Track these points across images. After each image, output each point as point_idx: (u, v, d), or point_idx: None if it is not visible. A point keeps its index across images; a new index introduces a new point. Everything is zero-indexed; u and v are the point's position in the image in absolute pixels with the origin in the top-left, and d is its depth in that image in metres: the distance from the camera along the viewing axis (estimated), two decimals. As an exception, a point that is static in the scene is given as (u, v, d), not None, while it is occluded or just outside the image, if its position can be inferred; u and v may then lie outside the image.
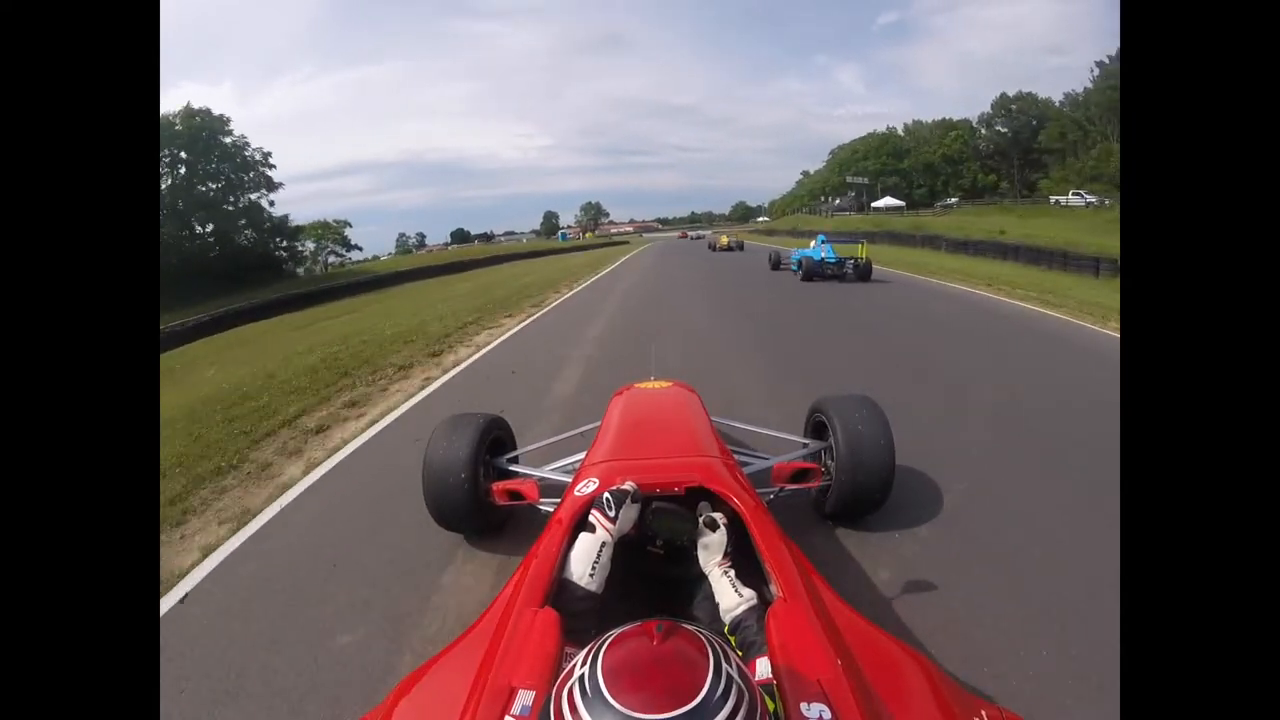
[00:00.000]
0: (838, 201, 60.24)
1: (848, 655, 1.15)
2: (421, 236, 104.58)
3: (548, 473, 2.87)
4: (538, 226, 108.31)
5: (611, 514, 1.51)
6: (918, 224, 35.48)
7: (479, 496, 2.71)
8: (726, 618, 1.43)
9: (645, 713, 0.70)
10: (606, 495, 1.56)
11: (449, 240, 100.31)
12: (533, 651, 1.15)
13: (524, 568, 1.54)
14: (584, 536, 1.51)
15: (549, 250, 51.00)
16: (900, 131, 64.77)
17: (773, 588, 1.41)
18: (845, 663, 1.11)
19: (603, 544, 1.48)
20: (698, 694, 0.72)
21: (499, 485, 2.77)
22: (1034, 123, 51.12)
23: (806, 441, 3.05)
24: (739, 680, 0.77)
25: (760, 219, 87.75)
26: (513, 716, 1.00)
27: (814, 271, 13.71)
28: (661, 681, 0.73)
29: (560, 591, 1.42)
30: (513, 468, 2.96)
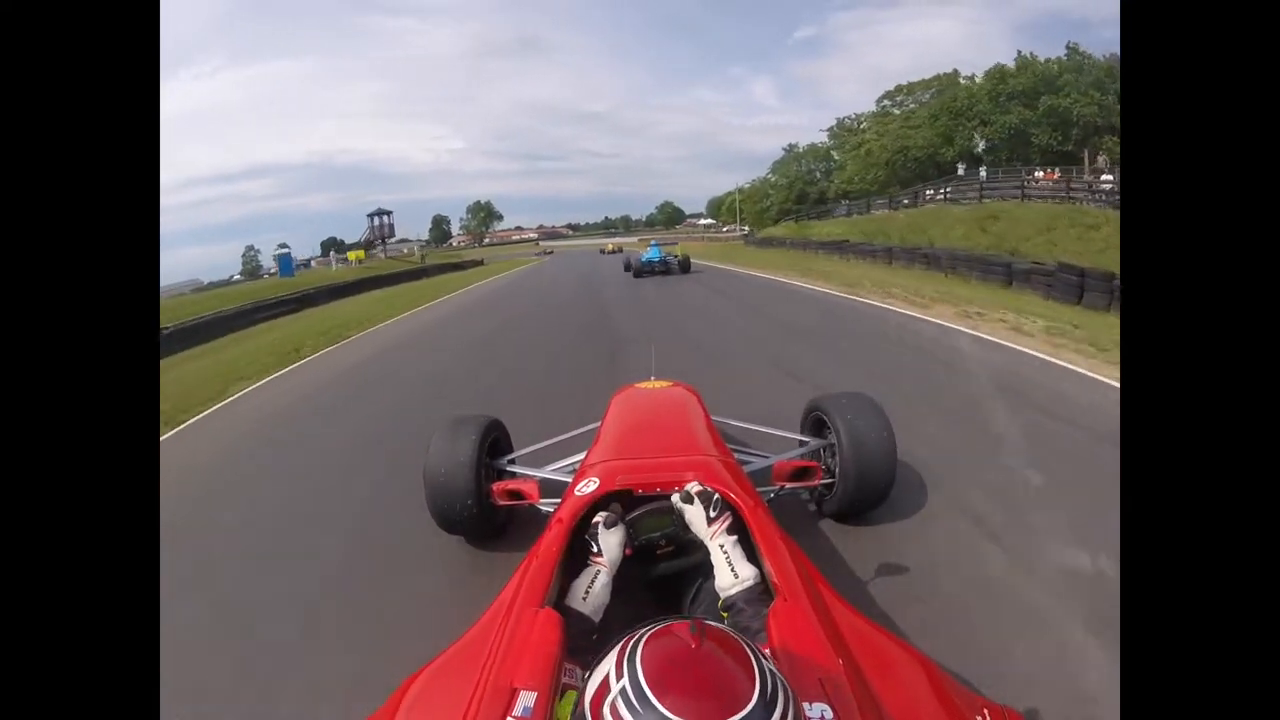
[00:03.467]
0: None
1: (849, 655, 1.15)
2: (284, 247, 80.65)
3: (548, 473, 2.87)
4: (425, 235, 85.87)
5: (595, 550, 1.48)
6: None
7: (481, 498, 2.72)
8: (721, 595, 1.41)
9: None
10: (586, 536, 1.53)
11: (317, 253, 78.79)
12: (534, 652, 1.15)
13: (525, 568, 1.54)
14: (587, 569, 1.48)
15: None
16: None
17: (773, 587, 1.41)
18: (846, 662, 1.11)
19: (597, 573, 1.45)
20: (751, 697, 0.70)
21: (499, 486, 2.77)
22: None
23: (806, 440, 3.05)
24: (779, 680, 0.75)
25: (703, 222, 76.01)
26: (514, 717, 1.00)
27: (641, 270, 17.92)
28: (712, 687, 0.71)
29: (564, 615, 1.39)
30: (512, 468, 2.96)
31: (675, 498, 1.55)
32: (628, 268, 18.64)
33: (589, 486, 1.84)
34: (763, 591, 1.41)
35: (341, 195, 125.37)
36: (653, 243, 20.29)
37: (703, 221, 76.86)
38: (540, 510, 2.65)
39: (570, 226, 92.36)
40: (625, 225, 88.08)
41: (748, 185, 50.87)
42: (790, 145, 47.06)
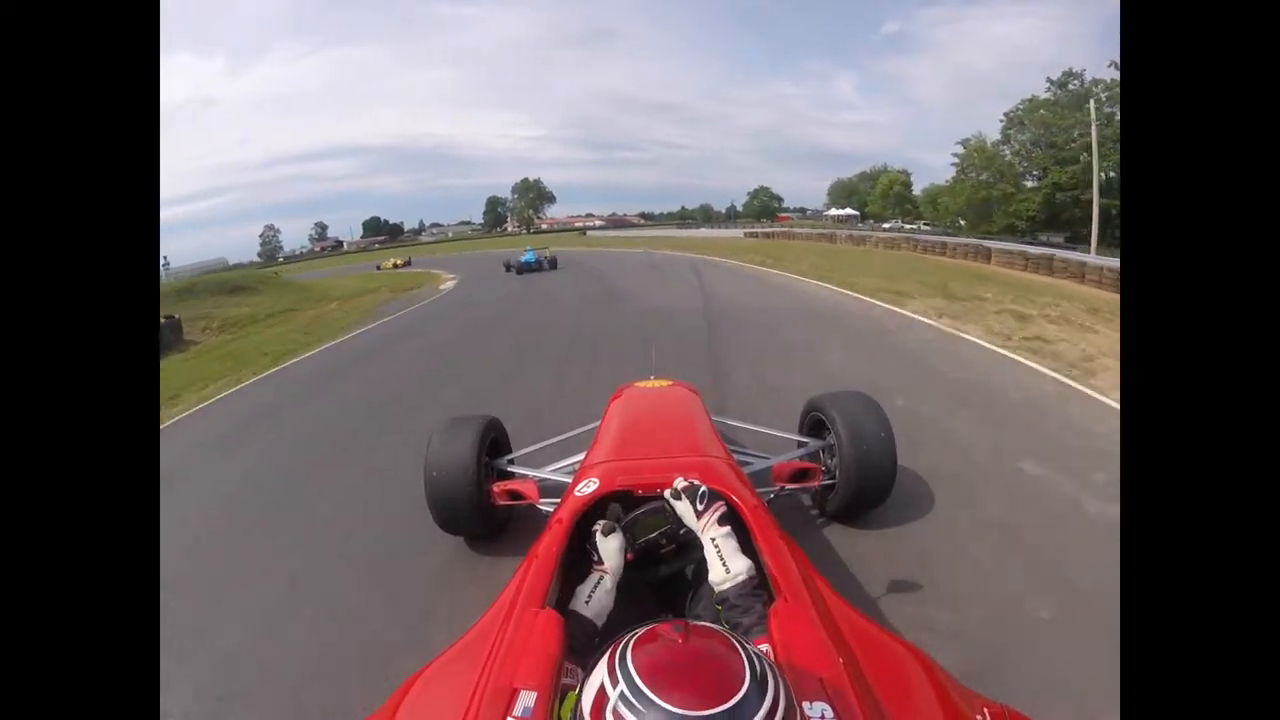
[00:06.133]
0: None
1: (849, 654, 1.15)
2: (322, 228, 78.74)
3: (548, 473, 2.87)
4: (479, 218, 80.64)
5: (597, 559, 1.48)
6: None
7: (481, 499, 2.71)
8: (715, 591, 1.41)
9: (703, 709, 0.70)
10: (587, 545, 1.53)
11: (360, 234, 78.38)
12: (534, 652, 1.15)
13: (525, 568, 1.54)
14: (591, 575, 1.48)
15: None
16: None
17: (774, 587, 1.41)
18: (847, 662, 1.11)
19: (600, 579, 1.45)
20: (743, 683, 0.73)
21: (499, 486, 2.77)
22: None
23: (805, 440, 3.05)
24: (767, 665, 0.78)
25: (831, 212, 58.70)
26: (515, 717, 1.00)
27: (520, 268, 20.89)
28: (706, 677, 0.74)
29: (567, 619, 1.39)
30: (512, 469, 2.96)
31: (666, 494, 1.55)
32: (509, 267, 21.30)
33: (589, 487, 1.84)
34: (757, 585, 1.41)
35: (420, 178, 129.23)
36: (528, 248, 23.51)
37: (831, 212, 59.68)
38: (540, 510, 2.65)
39: (643, 215, 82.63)
40: (705, 216, 76.64)
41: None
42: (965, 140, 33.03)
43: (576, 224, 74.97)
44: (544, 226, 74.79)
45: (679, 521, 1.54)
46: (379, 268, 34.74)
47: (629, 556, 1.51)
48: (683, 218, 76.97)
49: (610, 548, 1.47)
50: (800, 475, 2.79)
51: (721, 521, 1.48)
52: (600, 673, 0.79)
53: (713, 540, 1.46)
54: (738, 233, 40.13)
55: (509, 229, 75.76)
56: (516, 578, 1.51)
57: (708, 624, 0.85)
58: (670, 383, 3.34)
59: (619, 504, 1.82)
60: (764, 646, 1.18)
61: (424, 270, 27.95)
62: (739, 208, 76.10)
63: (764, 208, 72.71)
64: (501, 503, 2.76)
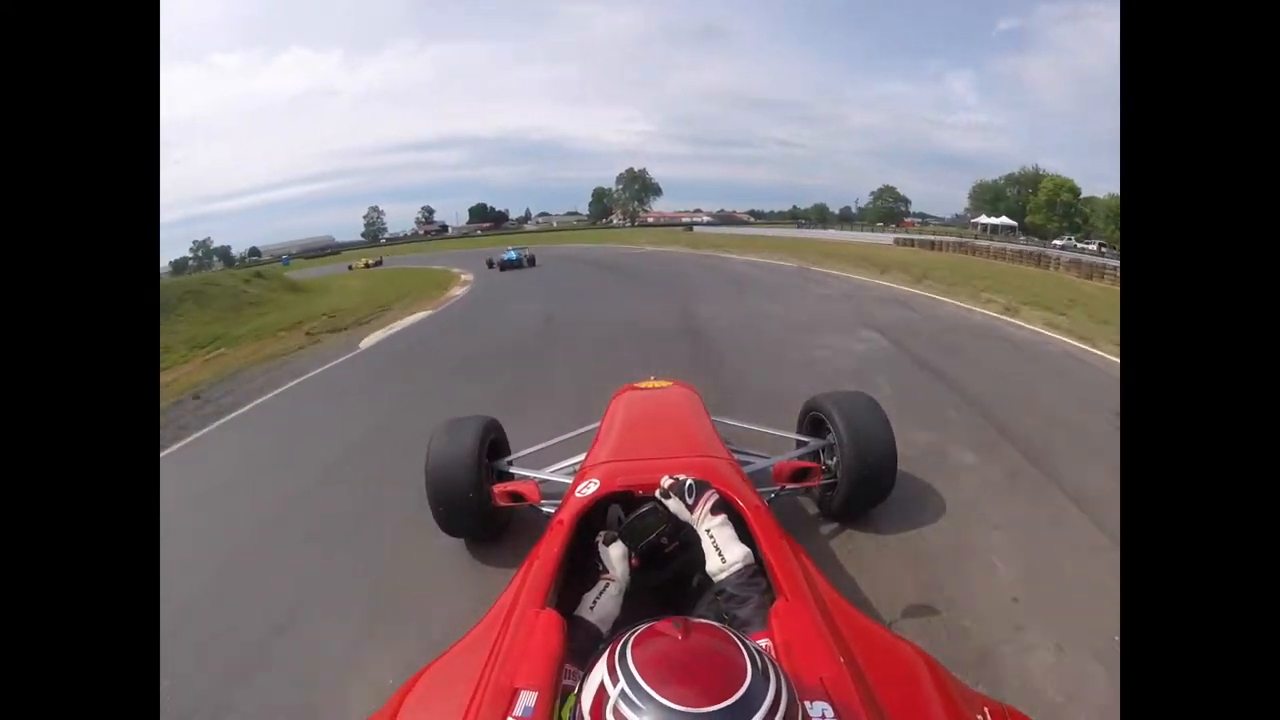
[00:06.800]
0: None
1: (850, 654, 1.15)
2: (429, 211, 79.19)
3: (548, 474, 2.87)
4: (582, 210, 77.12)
5: (602, 569, 1.48)
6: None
7: (482, 500, 2.71)
8: (714, 582, 1.41)
9: (705, 706, 0.69)
10: (592, 556, 1.53)
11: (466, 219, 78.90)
12: (535, 653, 1.15)
13: (525, 569, 1.54)
14: (598, 583, 1.48)
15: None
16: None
17: (775, 586, 1.41)
18: (847, 661, 1.11)
19: (605, 586, 1.45)
20: (745, 679, 0.72)
21: (500, 487, 2.77)
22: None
23: (806, 440, 3.05)
24: (769, 660, 0.78)
25: (988, 220, 46.62)
26: (515, 718, 1.00)
27: (503, 265, 21.50)
28: (708, 673, 0.74)
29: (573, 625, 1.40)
30: (512, 470, 2.96)
31: (656, 495, 1.55)
32: (491, 264, 21.99)
33: (589, 488, 1.84)
34: (755, 574, 1.41)
35: (530, 169, 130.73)
36: (509, 247, 24.43)
37: (981, 220, 48.38)
38: (541, 511, 2.65)
39: (753, 213, 76.65)
40: (820, 215, 68.02)
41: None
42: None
43: (683, 219, 69.62)
44: (649, 220, 70.28)
45: (676, 519, 1.54)
46: (350, 268, 33.26)
47: (634, 562, 1.51)
48: (795, 217, 69.42)
49: (614, 556, 1.47)
50: (801, 474, 2.80)
51: (715, 511, 1.48)
52: (600, 671, 0.78)
53: (708, 531, 1.45)
54: (875, 237, 31.68)
55: (613, 221, 72.41)
56: (517, 578, 1.51)
57: (708, 620, 0.85)
58: (670, 383, 3.34)
59: (619, 505, 1.82)
60: (764, 642, 1.18)
61: (442, 269, 24.04)
62: (855, 209, 67.81)
63: (888, 211, 62.70)
64: (502, 504, 2.76)
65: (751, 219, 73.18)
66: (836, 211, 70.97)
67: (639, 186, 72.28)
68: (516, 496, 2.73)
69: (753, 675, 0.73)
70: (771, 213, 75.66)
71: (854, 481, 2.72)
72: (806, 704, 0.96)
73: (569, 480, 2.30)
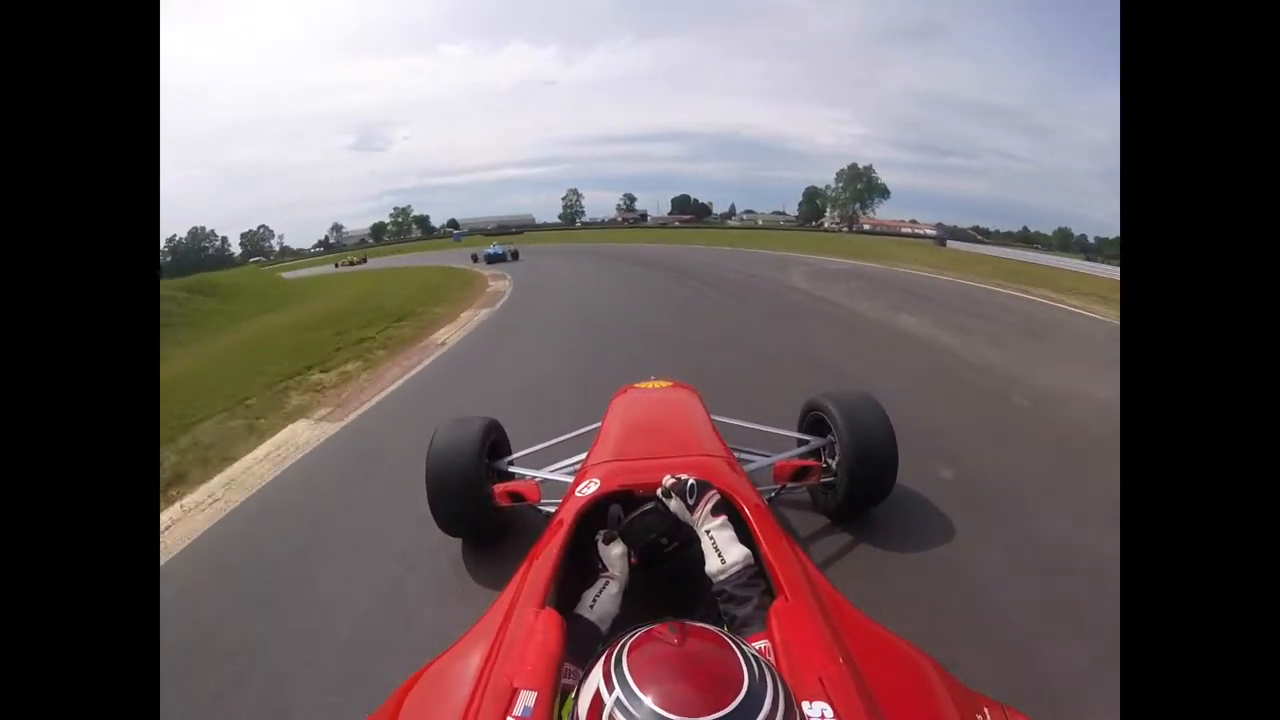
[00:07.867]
0: None
1: (849, 653, 1.15)
2: (630, 199, 78.96)
3: (549, 474, 2.87)
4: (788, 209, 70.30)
5: (602, 567, 1.48)
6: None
7: (483, 500, 2.72)
8: (714, 583, 1.40)
9: (701, 714, 0.69)
10: (591, 554, 1.53)
11: (670, 210, 76.54)
12: (535, 652, 1.15)
13: (525, 569, 1.54)
14: (598, 581, 1.48)
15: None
16: None
17: (775, 586, 1.41)
18: (847, 661, 1.11)
19: (605, 584, 1.45)
20: (741, 686, 0.72)
21: (500, 487, 2.77)
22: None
23: (806, 438, 3.05)
24: (765, 666, 0.77)
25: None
26: (515, 717, 1.00)
27: (489, 259, 25.12)
28: (705, 680, 0.73)
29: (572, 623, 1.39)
30: (513, 469, 2.96)
31: (658, 494, 1.55)
32: (476, 258, 25.63)
33: (590, 488, 1.84)
34: (755, 575, 1.41)
35: (740, 165, 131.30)
36: (494, 243, 28.17)
37: None
38: (541, 511, 2.65)
39: (978, 229, 61.42)
40: (1062, 241, 54.32)
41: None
42: None
43: (903, 229, 58.95)
44: (865, 226, 58.04)
45: (675, 519, 1.54)
46: (336, 267, 32.97)
47: (633, 561, 1.51)
48: (1026, 239, 56.78)
49: (613, 555, 1.47)
50: (801, 473, 2.79)
51: (716, 511, 1.47)
52: (596, 677, 0.78)
53: (707, 532, 1.45)
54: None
55: (825, 223, 62.17)
56: (517, 578, 1.51)
57: (704, 625, 0.85)
58: (670, 383, 3.33)
59: (620, 504, 1.82)
60: (762, 642, 1.18)
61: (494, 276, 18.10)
62: (1094, 238, 53.61)
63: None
64: (503, 504, 2.76)
65: (979, 236, 57.71)
66: (1092, 240, 55.69)
67: (862, 185, 60.05)
68: (517, 496, 2.73)
69: (749, 682, 0.73)
70: (999, 232, 62.84)
71: (854, 480, 2.72)
72: (806, 704, 0.96)
73: (569, 480, 2.30)
